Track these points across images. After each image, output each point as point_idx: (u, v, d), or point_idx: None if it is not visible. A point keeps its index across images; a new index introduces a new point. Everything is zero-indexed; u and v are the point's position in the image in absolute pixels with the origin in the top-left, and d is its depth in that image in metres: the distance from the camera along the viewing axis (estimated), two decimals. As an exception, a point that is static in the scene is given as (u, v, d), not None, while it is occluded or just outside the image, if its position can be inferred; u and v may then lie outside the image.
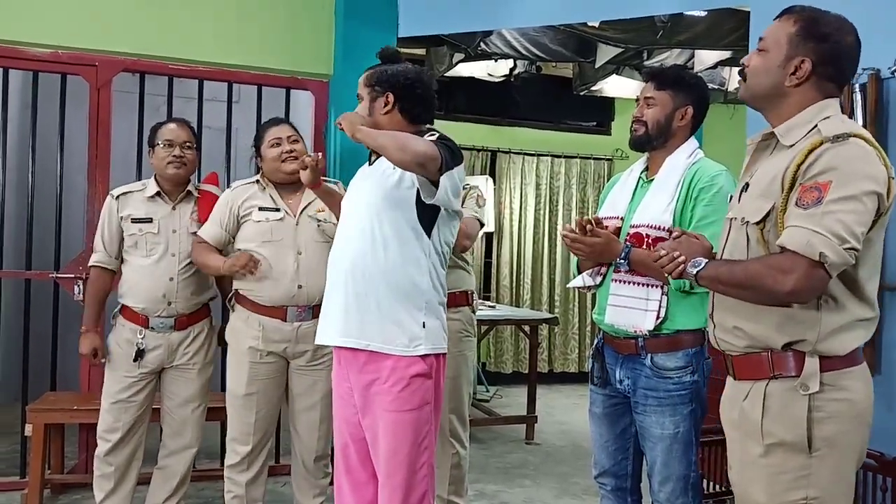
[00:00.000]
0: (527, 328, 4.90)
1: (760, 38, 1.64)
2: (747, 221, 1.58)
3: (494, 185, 6.19)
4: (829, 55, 1.56)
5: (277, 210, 2.69)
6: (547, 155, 6.52)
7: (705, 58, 4.78)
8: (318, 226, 2.71)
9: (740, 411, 1.60)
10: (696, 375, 2.01)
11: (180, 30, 3.55)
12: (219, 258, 2.69)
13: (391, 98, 2.15)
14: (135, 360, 2.72)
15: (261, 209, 2.69)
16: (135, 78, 3.58)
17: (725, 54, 4.62)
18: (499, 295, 6.39)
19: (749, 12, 2.85)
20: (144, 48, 3.51)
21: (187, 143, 2.79)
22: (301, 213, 2.71)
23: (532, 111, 6.42)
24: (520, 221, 6.48)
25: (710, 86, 5.46)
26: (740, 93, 1.69)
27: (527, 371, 5.09)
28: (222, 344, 2.92)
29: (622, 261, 1.99)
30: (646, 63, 4.72)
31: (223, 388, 3.63)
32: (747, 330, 1.59)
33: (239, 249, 2.70)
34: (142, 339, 2.73)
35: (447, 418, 2.89)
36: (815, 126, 1.55)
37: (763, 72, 1.61)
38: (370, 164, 2.22)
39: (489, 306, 5.20)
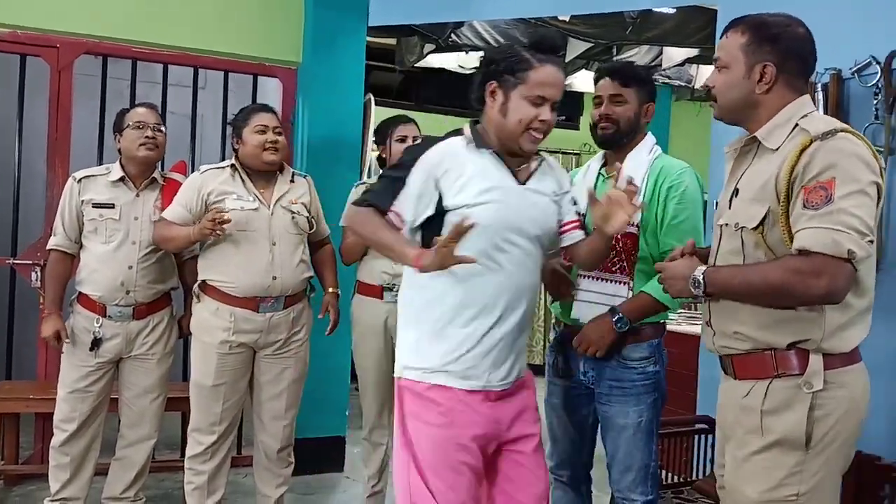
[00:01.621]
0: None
1: (716, 59, 1.66)
2: (742, 227, 1.57)
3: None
4: (787, 52, 1.58)
5: (252, 199, 2.64)
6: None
7: (673, 55, 4.84)
8: (293, 217, 2.69)
9: (740, 409, 1.59)
10: (657, 366, 2.07)
11: (145, 12, 3.47)
12: (185, 227, 2.59)
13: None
14: (91, 349, 2.67)
15: (235, 197, 2.62)
16: (97, 61, 3.49)
17: (693, 52, 4.68)
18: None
19: (717, 11, 2.88)
20: (108, 30, 3.43)
21: (157, 126, 2.74)
22: (275, 203, 2.67)
23: (502, 104, 6.42)
24: (488, 214, 6.48)
25: (678, 82, 5.53)
26: (715, 114, 1.69)
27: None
28: (184, 334, 2.88)
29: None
30: (614, 59, 4.76)
31: (184, 378, 3.61)
32: (750, 334, 1.58)
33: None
34: (99, 327, 2.67)
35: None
36: (796, 125, 1.55)
37: (730, 87, 1.62)
38: (520, 182, 1.84)
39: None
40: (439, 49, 4.72)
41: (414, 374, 1.81)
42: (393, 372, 2.97)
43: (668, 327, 3.97)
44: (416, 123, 2.99)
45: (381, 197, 1.84)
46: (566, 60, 4.82)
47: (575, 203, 1.94)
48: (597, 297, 2.06)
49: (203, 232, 2.52)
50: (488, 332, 1.77)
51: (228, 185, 2.64)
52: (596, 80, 2.18)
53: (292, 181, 2.75)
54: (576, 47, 4.66)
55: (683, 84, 5.54)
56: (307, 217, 2.73)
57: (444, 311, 1.78)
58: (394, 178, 1.84)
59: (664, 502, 2.31)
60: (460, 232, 1.61)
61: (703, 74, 5.25)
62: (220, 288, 2.61)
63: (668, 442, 2.46)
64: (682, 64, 5.02)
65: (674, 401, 3.48)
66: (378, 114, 4.09)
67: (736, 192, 1.64)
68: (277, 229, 2.64)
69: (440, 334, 1.78)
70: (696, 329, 3.56)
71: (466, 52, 5.12)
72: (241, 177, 2.66)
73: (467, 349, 1.77)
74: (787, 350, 1.54)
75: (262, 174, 2.68)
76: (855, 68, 2.30)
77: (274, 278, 2.61)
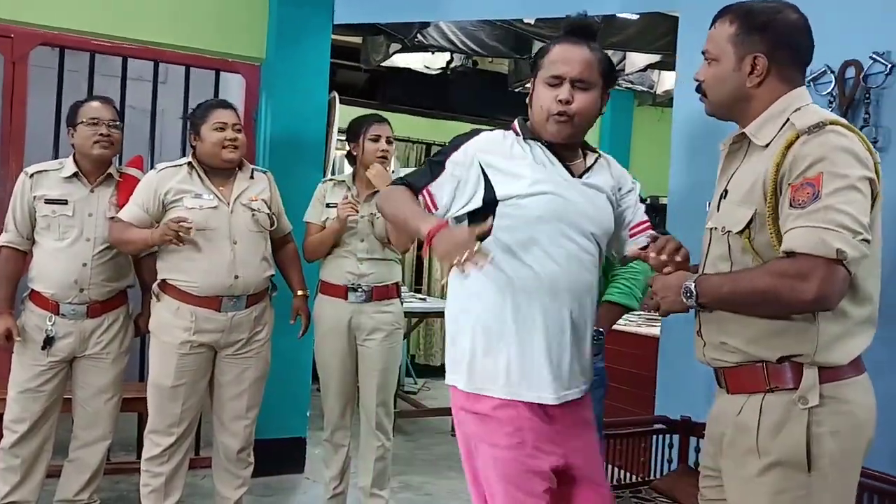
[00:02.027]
0: (456, 321, 4.92)
1: (704, 52, 1.56)
2: (728, 231, 1.48)
3: (428, 177, 6.19)
4: (778, 40, 1.47)
5: (211, 197, 2.60)
6: (481, 149, 6.56)
7: (636, 60, 4.90)
8: (253, 215, 2.65)
9: (734, 427, 1.47)
10: (603, 362, 2.19)
11: (105, 4, 3.39)
12: (144, 231, 2.54)
13: None
14: (43, 348, 2.60)
15: (194, 196, 2.58)
16: (54, 52, 3.41)
17: (655, 57, 4.74)
18: (430, 287, 6.40)
19: (678, 17, 2.92)
20: (65, 21, 3.34)
21: (113, 122, 2.67)
22: (235, 200, 2.63)
23: (468, 105, 6.43)
24: (453, 215, 6.50)
25: (640, 88, 5.61)
26: (706, 109, 1.60)
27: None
28: (140, 333, 2.83)
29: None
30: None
31: (141, 378, 3.54)
32: (739, 346, 1.47)
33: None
34: (51, 325, 2.60)
35: (374, 411, 2.89)
36: (788, 120, 1.45)
37: (720, 81, 1.53)
38: (574, 175, 1.74)
39: (420, 299, 5.20)
40: (405, 49, 4.71)
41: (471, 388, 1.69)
42: (356, 373, 2.97)
43: (628, 329, 4.03)
44: (389, 124, 2.98)
45: (418, 177, 1.73)
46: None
47: (643, 201, 1.85)
48: None
49: (164, 238, 2.46)
50: (549, 335, 1.65)
51: (186, 183, 2.59)
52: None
53: (252, 178, 2.71)
54: (541, 50, 4.69)
55: (646, 89, 5.62)
56: (268, 214, 2.70)
57: (499, 315, 1.66)
58: (434, 161, 1.74)
59: (622, 501, 2.34)
60: (484, 231, 1.52)
61: (666, 80, 5.33)
62: (181, 287, 2.56)
63: (627, 442, 2.50)
64: (644, 69, 5.09)
65: (632, 401, 3.54)
66: (343, 112, 4.07)
67: (725, 193, 1.54)
68: (238, 227, 2.60)
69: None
70: (655, 331, 3.61)
71: (432, 53, 5.12)
72: (198, 174, 2.62)
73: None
74: (779, 363, 1.43)
75: (220, 171, 2.64)
76: (810, 77, 2.35)
77: (236, 277, 2.58)
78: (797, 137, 1.39)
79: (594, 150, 1.81)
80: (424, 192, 1.70)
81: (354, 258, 2.83)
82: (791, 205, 1.37)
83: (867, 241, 1.34)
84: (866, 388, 1.47)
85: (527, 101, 1.76)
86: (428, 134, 6.40)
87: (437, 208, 1.70)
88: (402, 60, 5.24)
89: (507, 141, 1.74)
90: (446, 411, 4.78)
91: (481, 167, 1.68)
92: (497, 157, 1.70)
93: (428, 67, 5.42)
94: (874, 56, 2.17)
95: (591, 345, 1.74)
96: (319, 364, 2.95)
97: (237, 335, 2.63)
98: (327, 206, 2.88)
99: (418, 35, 4.34)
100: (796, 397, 1.40)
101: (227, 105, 2.71)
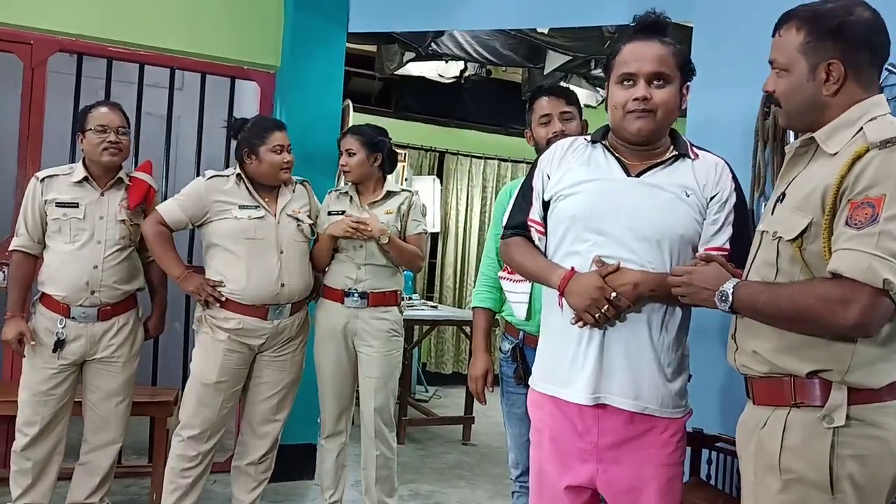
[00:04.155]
0: (468, 329, 4.92)
1: (771, 61, 1.47)
2: (780, 237, 1.41)
3: (441, 185, 6.21)
4: (854, 44, 1.38)
5: (258, 208, 2.68)
6: (494, 158, 6.57)
7: (650, 70, 4.88)
8: (298, 225, 2.75)
9: (758, 441, 1.43)
10: None
11: (122, 11, 3.44)
12: (179, 265, 2.68)
13: None
14: (54, 351, 2.61)
15: (241, 207, 2.66)
16: (72, 59, 3.45)
17: (669, 67, 4.72)
18: (442, 295, 6.40)
19: (692, 28, 2.91)
20: (84, 28, 3.38)
21: (122, 129, 2.69)
22: (280, 212, 2.72)
23: (480, 114, 6.45)
24: (465, 223, 6.50)
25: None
26: (781, 121, 1.52)
27: (466, 372, 5.10)
28: (150, 336, 2.87)
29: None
30: (592, 72, 4.80)
31: (154, 382, 3.56)
32: (768, 356, 1.42)
33: (214, 244, 2.69)
34: (62, 328, 2.62)
35: (372, 418, 2.88)
36: (861, 129, 1.36)
37: (793, 92, 1.44)
38: (631, 175, 1.67)
39: (431, 306, 5.20)
40: (419, 57, 4.73)
41: None
42: (353, 379, 2.98)
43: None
44: (355, 134, 2.89)
45: (516, 215, 1.79)
46: (544, 73, 4.87)
47: (731, 218, 1.64)
48: (525, 297, 2.12)
49: (193, 292, 2.65)
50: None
51: (234, 194, 2.68)
52: (532, 100, 2.29)
53: (294, 190, 2.82)
54: (554, 60, 4.69)
55: (660, 99, 5.60)
56: (310, 224, 2.82)
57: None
58: (522, 192, 1.80)
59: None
60: (609, 271, 1.55)
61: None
62: (230, 297, 2.64)
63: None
64: (658, 79, 5.07)
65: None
66: (357, 120, 4.08)
67: (782, 197, 1.46)
68: (284, 237, 2.70)
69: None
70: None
71: (446, 62, 5.13)
72: (246, 186, 2.70)
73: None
74: (808, 378, 1.37)
75: (265, 185, 2.73)
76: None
77: (282, 286, 2.67)
78: (866, 150, 1.30)
79: (684, 148, 1.69)
80: (530, 226, 1.75)
81: (353, 263, 2.85)
82: (847, 223, 1.29)
83: None
84: None
85: (603, 106, 1.76)
86: (441, 142, 6.42)
87: (546, 233, 1.73)
88: (416, 69, 5.25)
89: (572, 145, 1.75)
90: (457, 419, 4.78)
91: (547, 175, 1.73)
92: (558, 161, 1.73)
93: (442, 76, 5.43)
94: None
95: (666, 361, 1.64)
96: (316, 367, 2.96)
97: (278, 339, 2.74)
98: (329, 213, 2.89)
99: (432, 44, 4.35)
100: (821, 415, 1.35)
101: (283, 127, 2.78)
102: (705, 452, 2.44)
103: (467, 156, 6.50)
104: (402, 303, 3.00)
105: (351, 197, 2.92)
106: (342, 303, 2.85)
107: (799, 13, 1.43)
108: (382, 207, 2.90)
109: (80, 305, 2.64)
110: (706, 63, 2.57)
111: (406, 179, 5.78)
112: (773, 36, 1.48)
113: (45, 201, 2.65)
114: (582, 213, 1.63)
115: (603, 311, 1.54)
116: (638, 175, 1.65)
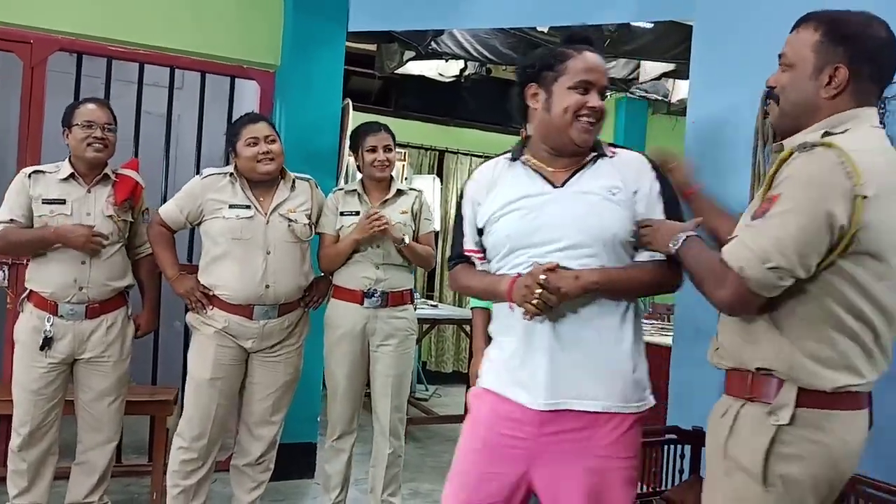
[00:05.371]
0: (468, 328, 4.93)
1: (780, 55, 1.50)
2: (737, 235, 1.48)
3: (441, 184, 6.20)
4: (862, 54, 1.41)
5: (248, 207, 2.66)
6: (494, 156, 6.55)
7: (650, 69, 4.89)
8: (290, 226, 2.71)
9: (714, 428, 1.51)
10: None
11: (122, 10, 3.44)
12: (174, 267, 2.70)
13: None
14: (41, 349, 2.60)
15: (231, 206, 2.65)
16: (72, 58, 3.45)
17: (670, 66, 4.73)
18: (442, 294, 6.40)
19: (692, 26, 2.91)
20: (83, 28, 3.38)
21: (108, 126, 2.67)
22: (272, 211, 2.69)
23: (480, 113, 6.45)
24: (465, 222, 6.50)
25: (654, 96, 5.59)
26: (771, 118, 1.55)
27: (466, 371, 5.12)
28: (141, 334, 2.85)
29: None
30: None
31: (153, 381, 3.56)
32: (727, 350, 1.51)
33: (206, 243, 2.70)
34: (50, 326, 2.60)
35: (389, 416, 2.89)
36: (825, 133, 1.40)
37: (793, 88, 1.47)
38: (557, 186, 1.71)
39: (431, 305, 5.20)
40: (419, 56, 4.73)
41: None
42: (366, 379, 2.98)
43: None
44: (387, 130, 2.94)
45: (454, 247, 1.84)
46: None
47: (668, 203, 1.69)
48: None
49: (184, 295, 2.68)
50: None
51: (226, 192, 2.67)
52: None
53: (293, 188, 2.77)
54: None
55: (660, 98, 5.60)
56: (306, 224, 2.75)
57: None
58: (456, 220, 1.84)
59: (633, 512, 2.32)
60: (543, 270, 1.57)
61: (680, 89, 5.32)
62: (217, 295, 2.65)
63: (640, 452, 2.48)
64: (658, 78, 5.08)
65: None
66: (357, 119, 4.08)
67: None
68: (273, 237, 2.67)
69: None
70: (666, 340, 3.59)
71: (446, 61, 5.13)
72: (240, 185, 2.69)
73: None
74: (763, 375, 1.43)
75: (261, 182, 2.70)
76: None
77: (267, 287, 2.63)
78: (791, 154, 1.38)
79: (601, 149, 1.72)
80: (468, 253, 1.79)
81: (371, 263, 2.84)
82: (752, 216, 1.41)
83: (785, 270, 1.32)
84: (854, 426, 1.42)
85: (531, 112, 1.72)
86: (441, 141, 6.42)
87: (486, 257, 1.76)
88: (416, 68, 5.25)
89: (493, 169, 1.79)
90: (457, 418, 4.78)
91: (478, 205, 1.76)
92: (485, 189, 1.76)
93: (442, 75, 5.43)
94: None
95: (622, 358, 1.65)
96: (330, 369, 2.95)
97: (268, 342, 2.71)
98: (341, 214, 2.88)
99: (432, 43, 4.35)
100: (768, 411, 1.41)
101: (257, 119, 2.74)
102: (705, 451, 2.45)
103: (467, 155, 6.50)
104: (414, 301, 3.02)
105: (359, 195, 2.92)
106: (361, 304, 2.84)
107: (820, 14, 1.47)
108: (395, 206, 2.90)
109: (68, 302, 2.61)
110: (706, 63, 2.58)
111: (406, 179, 5.78)
112: (791, 32, 1.51)
113: (32, 197, 2.61)
114: (517, 232, 1.66)
115: (537, 293, 1.54)
116: (563, 185, 1.68)
